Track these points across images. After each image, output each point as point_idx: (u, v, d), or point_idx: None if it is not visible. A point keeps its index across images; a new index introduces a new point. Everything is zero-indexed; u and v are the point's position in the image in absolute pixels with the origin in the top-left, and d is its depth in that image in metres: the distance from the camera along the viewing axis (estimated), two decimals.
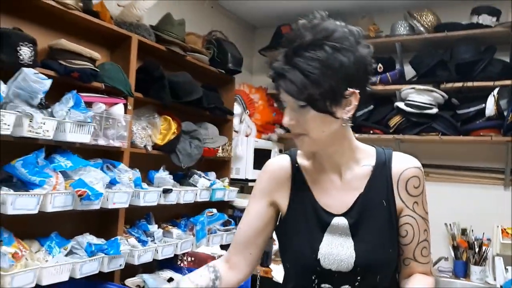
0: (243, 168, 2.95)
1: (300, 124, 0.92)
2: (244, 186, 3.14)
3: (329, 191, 1.00)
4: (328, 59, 0.86)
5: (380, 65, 2.75)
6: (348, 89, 0.90)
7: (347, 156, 1.00)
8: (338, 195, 1.00)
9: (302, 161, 1.06)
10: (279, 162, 1.08)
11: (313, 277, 0.98)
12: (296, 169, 1.05)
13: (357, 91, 0.91)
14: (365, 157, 1.02)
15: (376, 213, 0.98)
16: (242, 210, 2.92)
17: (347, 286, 0.97)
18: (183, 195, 2.32)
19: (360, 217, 0.97)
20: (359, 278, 0.96)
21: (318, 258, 0.96)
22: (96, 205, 1.77)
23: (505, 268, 2.40)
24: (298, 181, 1.03)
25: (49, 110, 1.68)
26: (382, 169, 1.00)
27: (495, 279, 2.46)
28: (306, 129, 0.92)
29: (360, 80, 0.92)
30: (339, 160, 1.00)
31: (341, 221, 0.98)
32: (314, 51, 0.86)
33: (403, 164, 1.00)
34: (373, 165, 1.00)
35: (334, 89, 0.88)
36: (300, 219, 1.01)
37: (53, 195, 1.61)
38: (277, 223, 1.09)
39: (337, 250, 0.96)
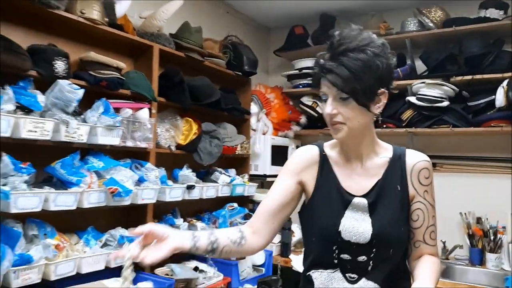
0: (262, 164, 3.09)
1: (341, 114, 1.08)
2: (263, 182, 3.28)
3: (351, 176, 1.16)
4: (369, 61, 1.04)
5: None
6: (380, 88, 1.09)
7: (369, 148, 1.17)
8: (359, 179, 1.16)
9: (328, 151, 1.22)
10: (309, 149, 1.25)
11: (334, 248, 1.12)
12: (323, 157, 1.21)
13: (386, 91, 1.11)
14: (383, 151, 1.19)
15: (391, 196, 1.14)
16: None
17: (363, 257, 1.11)
18: (206, 191, 2.48)
19: (378, 198, 1.13)
20: (374, 250, 1.11)
21: (339, 230, 1.11)
22: (126, 201, 1.95)
23: None
24: (324, 167, 1.20)
25: (82, 116, 1.86)
26: (397, 161, 1.17)
27: (510, 266, 2.52)
28: (346, 118, 1.08)
29: (388, 82, 1.11)
30: (362, 150, 1.16)
31: (361, 201, 1.13)
32: (358, 54, 1.04)
33: (416, 158, 1.17)
34: (390, 157, 1.17)
35: (371, 86, 1.06)
36: (325, 198, 1.17)
37: (88, 193, 1.79)
38: (302, 205, 1.24)
39: (356, 224, 1.11)
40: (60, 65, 1.81)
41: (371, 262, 1.11)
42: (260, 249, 1.20)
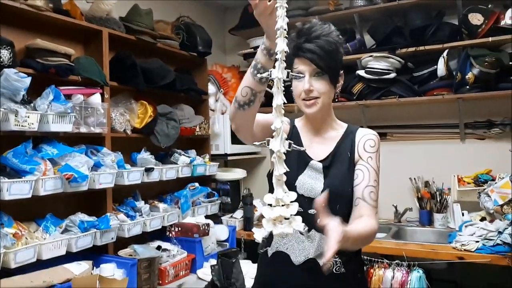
0: (222, 144, 3.15)
1: (316, 90, 1.25)
2: (225, 160, 3.35)
3: (312, 145, 1.36)
4: (336, 43, 1.26)
5: (340, 36, 2.92)
6: (340, 70, 1.30)
7: (328, 123, 1.38)
8: (318, 147, 1.36)
9: (297, 124, 1.43)
10: (284, 118, 1.39)
11: None
12: (293, 127, 1.41)
13: (342, 73, 1.33)
14: (339, 127, 1.40)
15: (342, 162, 1.33)
16: (225, 182, 3.15)
17: (313, 210, 1.24)
18: (165, 173, 2.53)
19: (331, 163, 1.32)
20: (323, 204, 1.24)
21: (295, 185, 1.29)
22: (84, 186, 1.97)
23: (462, 213, 2.65)
24: (294, 134, 1.39)
25: (32, 104, 1.86)
26: (349, 135, 1.37)
27: (455, 223, 2.71)
28: (321, 93, 1.25)
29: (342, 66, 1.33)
30: (324, 125, 1.37)
31: (318, 164, 1.32)
32: (329, 38, 1.24)
33: (365, 132, 1.38)
34: (344, 131, 1.38)
35: (338, 66, 1.28)
36: (290, 159, 1.30)
37: (43, 180, 1.81)
38: (269, 170, 1.39)
39: (311, 181, 1.30)
40: (4, 54, 1.79)
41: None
42: (248, 135, 1.27)
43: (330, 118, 1.38)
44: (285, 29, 0.89)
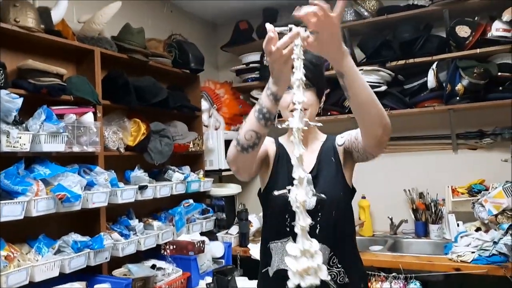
0: (216, 159, 3.14)
1: (304, 102, 1.24)
2: (220, 176, 3.35)
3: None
4: (321, 59, 1.31)
5: None
6: (325, 87, 1.37)
7: (313, 135, 1.44)
8: (305, 159, 1.31)
9: (282, 141, 1.47)
10: (268, 138, 1.44)
11: (286, 216, 1.30)
12: (279, 145, 1.44)
13: (325, 92, 1.38)
14: (321, 136, 1.46)
15: (327, 167, 1.37)
16: (219, 198, 3.13)
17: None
18: (159, 190, 2.51)
19: (318, 172, 1.36)
20: (320, 214, 1.30)
21: (289, 200, 1.26)
22: (77, 206, 1.96)
23: (457, 223, 2.65)
24: (281, 152, 1.42)
25: (24, 125, 1.86)
26: (329, 141, 1.43)
27: (450, 234, 2.71)
28: (309, 105, 1.30)
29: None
30: (309, 136, 1.41)
31: (307, 175, 1.29)
32: (314, 54, 1.22)
33: (342, 133, 1.42)
34: (324, 139, 1.45)
35: (323, 81, 1.35)
36: (280, 176, 1.37)
37: (36, 201, 1.79)
38: (259, 189, 1.43)
39: None
40: None
41: (318, 225, 1.30)
42: (247, 175, 1.30)
43: (314, 130, 1.44)
44: (303, 81, 0.91)
